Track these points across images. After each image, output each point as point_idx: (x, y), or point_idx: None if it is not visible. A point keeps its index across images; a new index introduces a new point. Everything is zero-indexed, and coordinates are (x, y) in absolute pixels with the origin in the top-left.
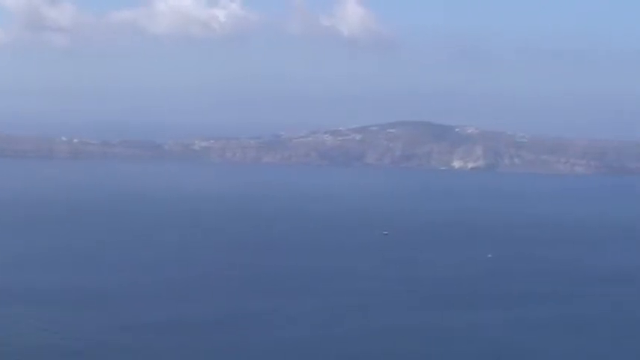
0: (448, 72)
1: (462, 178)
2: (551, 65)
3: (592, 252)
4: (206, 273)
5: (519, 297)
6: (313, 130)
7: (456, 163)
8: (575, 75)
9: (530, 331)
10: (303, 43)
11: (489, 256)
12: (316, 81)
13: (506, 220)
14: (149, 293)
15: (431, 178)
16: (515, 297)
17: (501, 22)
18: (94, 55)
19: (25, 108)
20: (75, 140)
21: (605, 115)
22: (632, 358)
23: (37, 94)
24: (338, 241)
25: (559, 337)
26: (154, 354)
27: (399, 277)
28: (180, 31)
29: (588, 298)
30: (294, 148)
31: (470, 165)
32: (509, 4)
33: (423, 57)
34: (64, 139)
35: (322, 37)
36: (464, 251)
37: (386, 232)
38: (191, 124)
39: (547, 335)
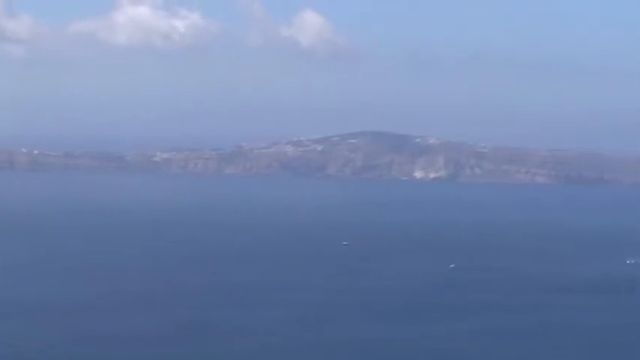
0: (407, 82)
1: (424, 189)
2: (509, 75)
3: (551, 262)
4: (163, 285)
5: (479, 307)
6: (274, 141)
7: (418, 174)
8: (534, 85)
9: (485, 341)
10: (263, 54)
11: (452, 266)
12: (276, 92)
13: (469, 230)
14: (104, 305)
15: (392, 189)
16: (475, 307)
17: (459, 33)
18: (54, 66)
19: None
20: (35, 152)
21: (564, 126)
22: None
23: None
24: (297, 252)
25: (516, 347)
26: None
27: (357, 288)
28: (140, 42)
29: (545, 307)
30: (255, 159)
31: (431, 175)
32: (467, 15)
33: (382, 68)
34: (24, 150)
35: (282, 47)
36: (426, 261)
37: (346, 243)
38: (152, 135)
39: (500, 346)
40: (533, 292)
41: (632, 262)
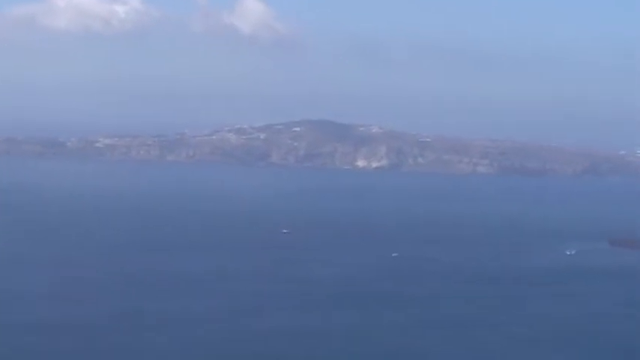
0: (351, 71)
1: (366, 178)
2: (453, 66)
3: (492, 252)
4: (100, 273)
5: (418, 297)
6: (217, 129)
7: (360, 163)
8: (476, 76)
9: (426, 330)
10: (204, 40)
11: (394, 255)
12: (218, 79)
13: (412, 220)
14: (42, 294)
15: (335, 178)
16: (414, 297)
17: (403, 23)
18: None
19: None
20: None
21: (506, 116)
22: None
23: None
24: (237, 240)
25: (452, 337)
26: (42, 355)
27: (296, 277)
28: (80, 27)
29: (484, 298)
30: (198, 146)
31: (374, 164)
32: (412, 5)
33: (325, 56)
34: None
35: (224, 34)
36: (369, 250)
37: (286, 231)
38: (94, 121)
39: (440, 334)
40: (473, 283)
41: (572, 252)
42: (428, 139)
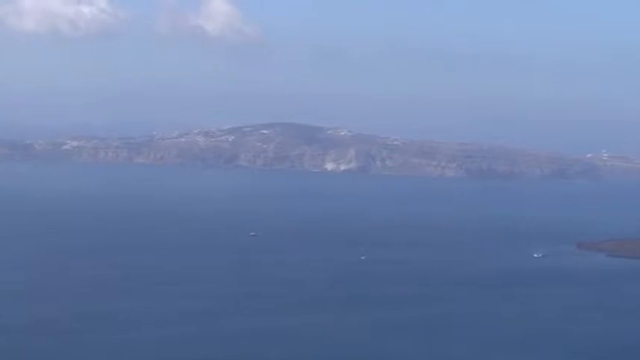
0: (317, 73)
1: (335, 181)
2: (420, 67)
3: (461, 255)
4: (60, 274)
5: (386, 299)
6: (185, 131)
7: (329, 166)
8: (444, 77)
9: (389, 332)
10: (171, 42)
11: (363, 257)
12: (185, 80)
13: (381, 222)
14: (5, 295)
15: (303, 180)
16: (382, 299)
17: (369, 25)
18: None
19: None
20: None
21: (474, 119)
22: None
23: None
24: (204, 242)
25: (415, 339)
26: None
27: (263, 279)
28: (47, 28)
29: (452, 300)
30: (166, 148)
31: (342, 167)
32: (377, 7)
33: (293, 59)
34: None
35: (190, 35)
36: (338, 253)
37: (254, 234)
38: (62, 124)
39: (403, 337)
40: (441, 285)
41: (540, 255)
42: (396, 143)
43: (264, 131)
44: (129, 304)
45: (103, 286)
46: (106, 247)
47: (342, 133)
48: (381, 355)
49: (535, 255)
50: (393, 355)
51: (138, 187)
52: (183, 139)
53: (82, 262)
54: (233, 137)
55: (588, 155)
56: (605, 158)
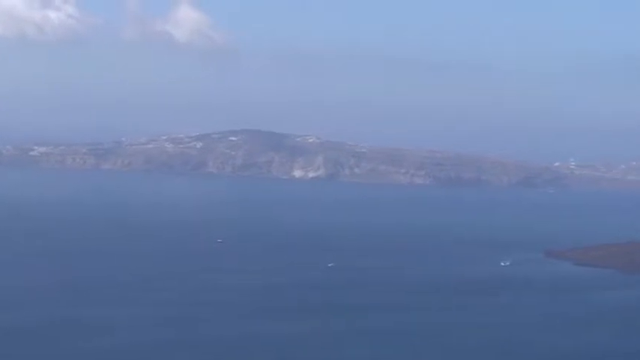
0: (286, 81)
1: (303, 188)
2: (387, 75)
3: (427, 263)
4: (29, 281)
5: (352, 307)
6: (153, 138)
7: (297, 173)
8: (413, 85)
9: (351, 340)
10: (139, 48)
11: (330, 265)
12: (153, 87)
13: (348, 230)
14: None
15: (271, 187)
16: (349, 307)
17: (335, 32)
18: None
19: None
20: None
21: (442, 127)
22: None
23: None
24: (170, 249)
25: (376, 348)
26: None
27: (230, 286)
28: (13, 32)
29: (418, 309)
30: (134, 155)
31: (310, 174)
32: (345, 14)
33: (261, 65)
34: None
35: (158, 42)
36: (305, 260)
37: (220, 241)
38: (29, 129)
39: (364, 345)
40: (408, 294)
41: (507, 263)
42: (364, 150)
43: (233, 138)
44: (97, 311)
45: (67, 292)
46: (69, 254)
47: (311, 141)
48: None
49: (502, 263)
50: None
51: (104, 194)
52: (151, 146)
53: (44, 268)
54: (201, 144)
55: (556, 164)
56: (572, 167)
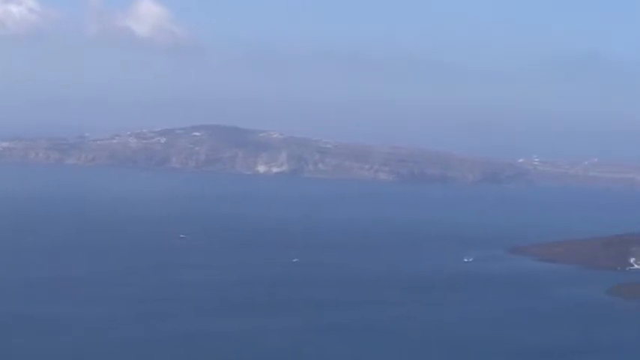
0: (249, 76)
1: (267, 183)
2: (351, 71)
3: (391, 259)
4: None
5: (315, 302)
6: (117, 133)
7: (261, 168)
8: (375, 81)
9: (314, 336)
10: (100, 43)
11: (295, 260)
12: (116, 82)
13: (313, 225)
14: None
15: (235, 183)
16: (312, 302)
17: (299, 28)
18: None
19: None
20: None
21: (407, 122)
22: None
23: None
24: (132, 245)
25: (337, 344)
26: None
27: (192, 282)
28: None
29: (381, 305)
30: (98, 150)
31: (274, 170)
32: (309, 12)
33: (225, 61)
34: None
35: (119, 37)
36: (270, 256)
37: (183, 236)
38: None
39: (325, 341)
40: (371, 290)
41: (470, 259)
42: (329, 146)
43: (196, 133)
44: (56, 308)
45: (27, 289)
46: (31, 249)
47: (275, 136)
48: (298, 358)
49: (465, 259)
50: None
51: (67, 189)
52: (115, 141)
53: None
54: (165, 139)
55: (520, 160)
56: (535, 163)
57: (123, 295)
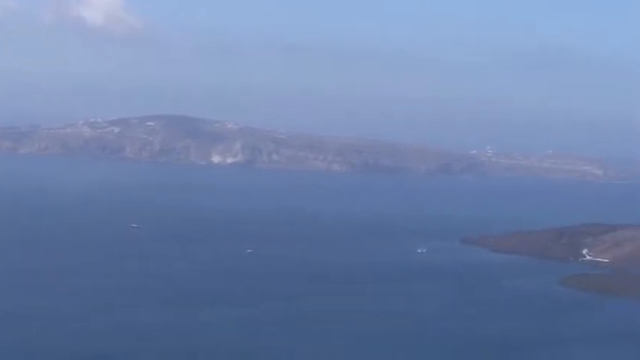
0: (204, 66)
1: (221, 174)
2: (308, 63)
3: (345, 251)
4: None
5: (266, 293)
6: (71, 122)
7: (215, 158)
8: (333, 73)
9: (260, 329)
10: (55, 32)
11: (249, 251)
12: (69, 71)
13: (267, 216)
14: None
15: (189, 173)
16: (264, 293)
17: (254, 19)
18: None
19: None
20: None
21: (361, 113)
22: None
23: None
24: (84, 235)
25: (286, 336)
26: None
27: (141, 272)
28: None
29: (333, 296)
30: (51, 139)
31: (229, 160)
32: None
33: (178, 50)
34: None
35: (73, 26)
36: (224, 246)
37: (135, 226)
38: None
39: (273, 332)
40: (321, 280)
41: (424, 251)
42: (283, 136)
43: (150, 123)
44: (10, 299)
45: None
46: None
47: (229, 126)
48: (249, 349)
49: (419, 250)
50: (259, 350)
51: (17, 179)
52: (68, 130)
53: None
54: (119, 129)
55: (473, 152)
56: (489, 155)
57: (75, 285)
